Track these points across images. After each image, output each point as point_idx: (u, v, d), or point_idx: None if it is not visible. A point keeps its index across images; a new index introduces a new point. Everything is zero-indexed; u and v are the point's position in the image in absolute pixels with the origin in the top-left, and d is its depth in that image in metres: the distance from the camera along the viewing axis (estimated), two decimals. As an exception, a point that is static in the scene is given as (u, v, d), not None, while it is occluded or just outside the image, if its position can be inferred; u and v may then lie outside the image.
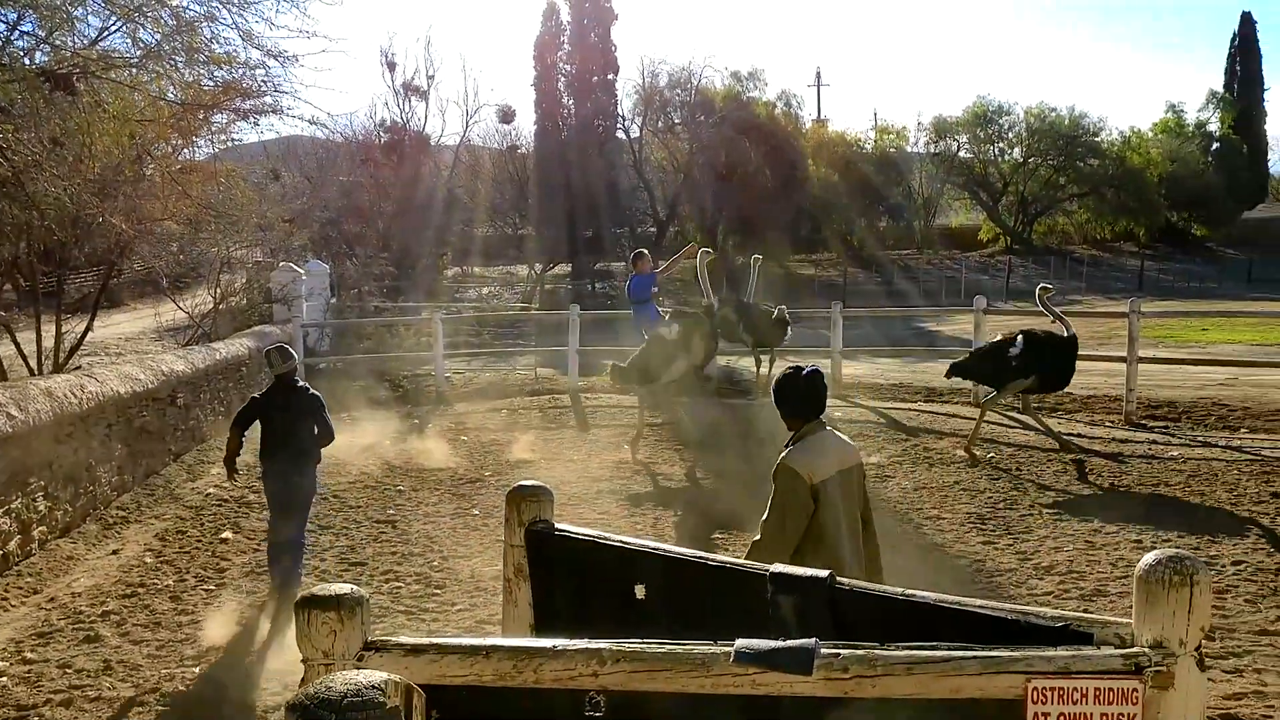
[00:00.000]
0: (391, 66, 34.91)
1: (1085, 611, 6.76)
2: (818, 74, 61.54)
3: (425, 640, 2.59)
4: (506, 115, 39.15)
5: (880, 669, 2.36)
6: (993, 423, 13.26)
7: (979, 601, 2.77)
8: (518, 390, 17.66)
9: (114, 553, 8.65)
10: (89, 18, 8.91)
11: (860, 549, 4.49)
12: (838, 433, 4.61)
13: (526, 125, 41.92)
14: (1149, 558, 2.39)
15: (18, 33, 9.12)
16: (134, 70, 9.50)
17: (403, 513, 9.99)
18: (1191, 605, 2.34)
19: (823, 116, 56.26)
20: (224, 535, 9.15)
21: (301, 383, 8.11)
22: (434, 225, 33.65)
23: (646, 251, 15.74)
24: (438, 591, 7.63)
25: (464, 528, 9.42)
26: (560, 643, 2.51)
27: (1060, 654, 2.34)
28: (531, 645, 2.55)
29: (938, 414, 14.02)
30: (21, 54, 9.18)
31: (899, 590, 2.95)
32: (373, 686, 1.50)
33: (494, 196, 40.14)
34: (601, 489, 10.63)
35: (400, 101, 35.18)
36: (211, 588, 7.71)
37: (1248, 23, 62.77)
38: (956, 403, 14.83)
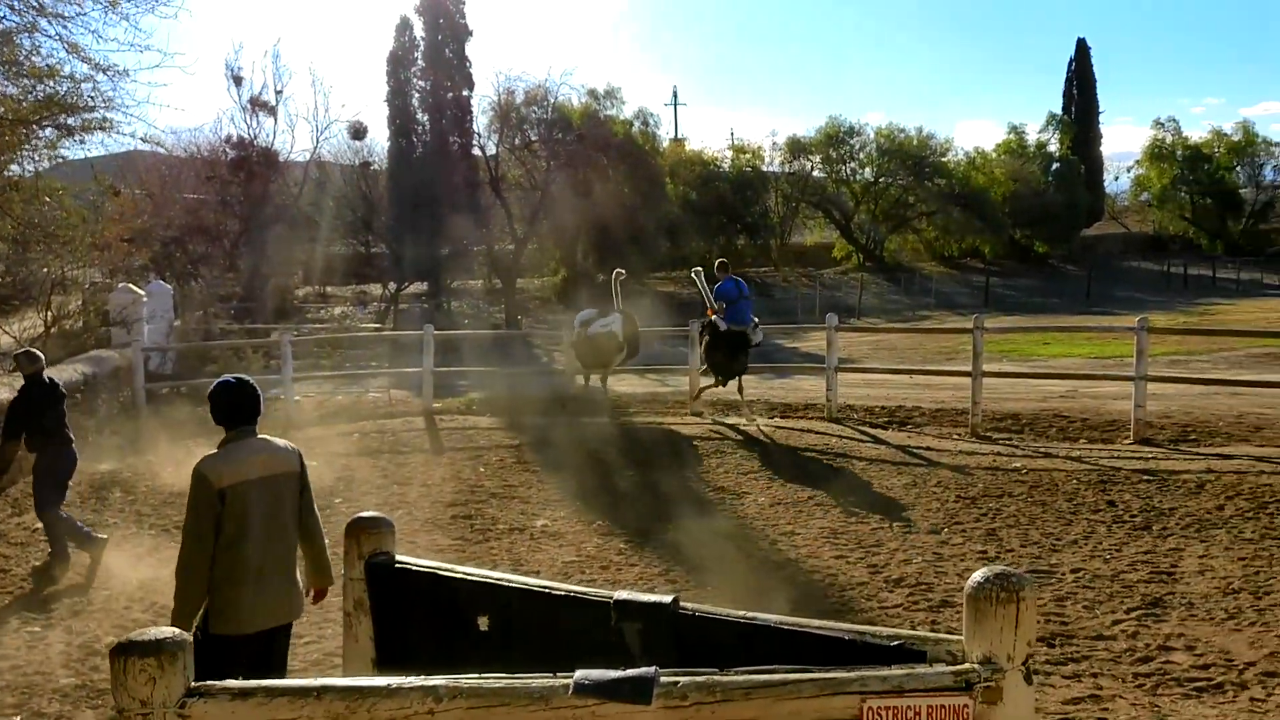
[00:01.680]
0: (238, 80, 33.94)
1: (933, 623, 6.97)
2: (674, 93, 62.44)
3: (253, 683, 2.50)
4: (358, 131, 38.45)
5: (720, 695, 2.37)
6: (846, 437, 13.58)
7: (818, 623, 2.81)
8: (370, 413, 17.32)
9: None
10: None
11: (288, 554, 4.83)
12: (277, 441, 4.88)
13: (380, 141, 41.29)
14: (977, 576, 2.46)
15: None
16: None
17: (248, 543, 9.65)
18: (1018, 620, 2.42)
19: (680, 135, 56.93)
20: (53, 572, 8.70)
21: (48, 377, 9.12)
22: (284, 244, 32.81)
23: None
24: (284, 625, 7.39)
25: (313, 557, 9.16)
26: (395, 680, 2.45)
27: (894, 673, 2.40)
28: (365, 684, 2.48)
29: (793, 430, 14.26)
30: None
31: (741, 614, 2.98)
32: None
33: (346, 214, 39.32)
34: (456, 514, 10.49)
35: (247, 117, 34.24)
36: (37, 628, 7.33)
37: (1083, 49, 66.12)
38: (811, 417, 15.12)
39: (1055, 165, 61.72)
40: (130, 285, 19.91)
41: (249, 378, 4.98)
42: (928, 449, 12.75)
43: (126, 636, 2.40)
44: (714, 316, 14.94)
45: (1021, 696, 2.43)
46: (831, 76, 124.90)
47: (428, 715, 2.41)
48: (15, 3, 8.31)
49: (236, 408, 4.79)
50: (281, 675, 4.64)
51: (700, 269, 16.68)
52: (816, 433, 13.95)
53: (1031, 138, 63.33)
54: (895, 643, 2.61)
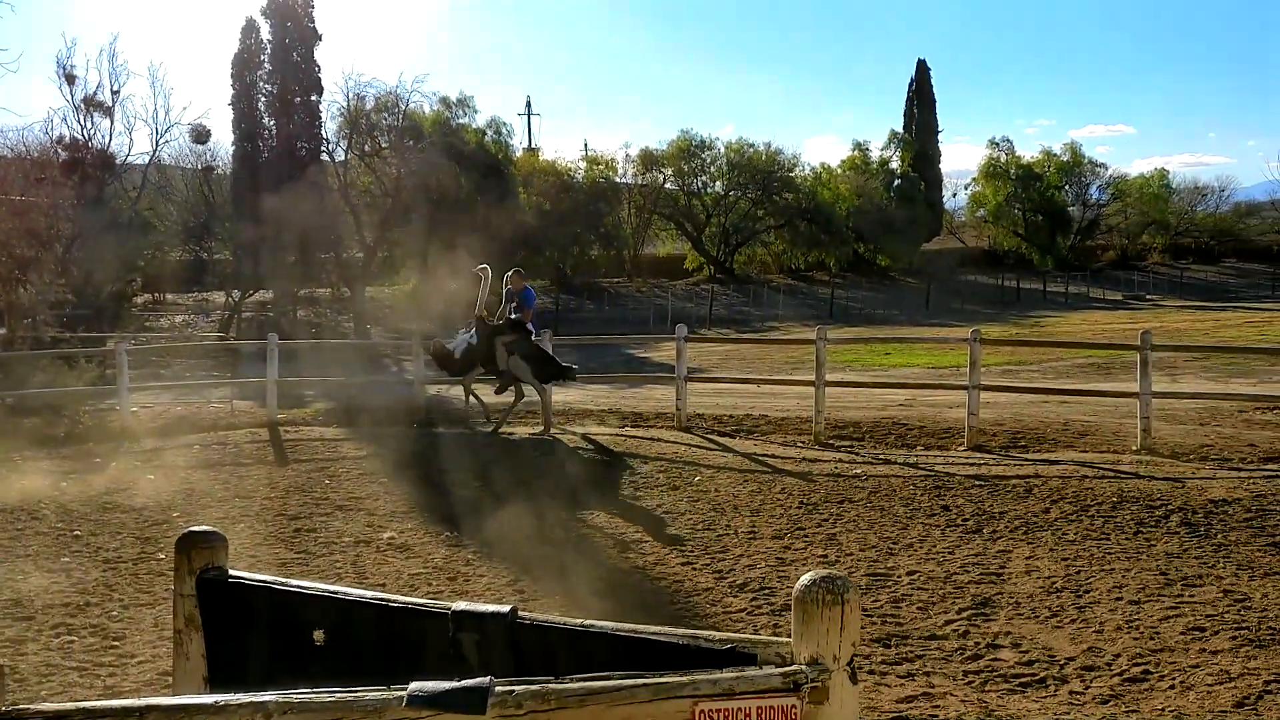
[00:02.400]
0: (71, 79, 32.53)
1: (775, 625, 7.13)
2: (528, 102, 62.20)
3: (70, 705, 2.40)
4: (200, 135, 37.30)
5: (554, 703, 2.38)
6: (695, 446, 13.77)
7: (653, 628, 2.85)
8: (212, 425, 16.78)
9: None
10: None
11: None
12: None
13: (225, 145, 40.11)
14: (804, 579, 2.54)
15: None
16: None
17: (79, 559, 9.25)
18: (843, 622, 2.50)
19: (534, 145, 56.99)
20: None
21: None
22: (121, 249, 31.51)
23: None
24: (116, 644, 7.11)
25: (148, 573, 8.83)
26: (222, 698, 2.38)
27: (725, 676, 2.44)
28: (190, 703, 2.41)
29: (643, 438, 14.38)
30: None
31: (579, 621, 2.99)
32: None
33: (188, 219, 38.03)
34: (300, 527, 10.24)
35: (81, 117, 32.80)
36: None
37: (923, 69, 68.71)
38: (662, 427, 15.28)
39: (897, 181, 64.00)
40: (-50, 291, 18.85)
41: None
42: (773, 456, 13.01)
43: (-68, 661, 2.28)
44: (523, 324, 14.91)
45: (847, 696, 2.50)
46: (685, 92, 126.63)
47: (258, 732, 2.36)
48: None
49: None
50: None
51: (487, 265, 15.43)
52: (666, 441, 14.10)
53: (875, 155, 65.57)
54: (727, 646, 2.66)
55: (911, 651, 6.67)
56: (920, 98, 67.88)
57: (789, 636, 2.72)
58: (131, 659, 6.82)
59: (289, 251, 35.97)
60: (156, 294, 40.22)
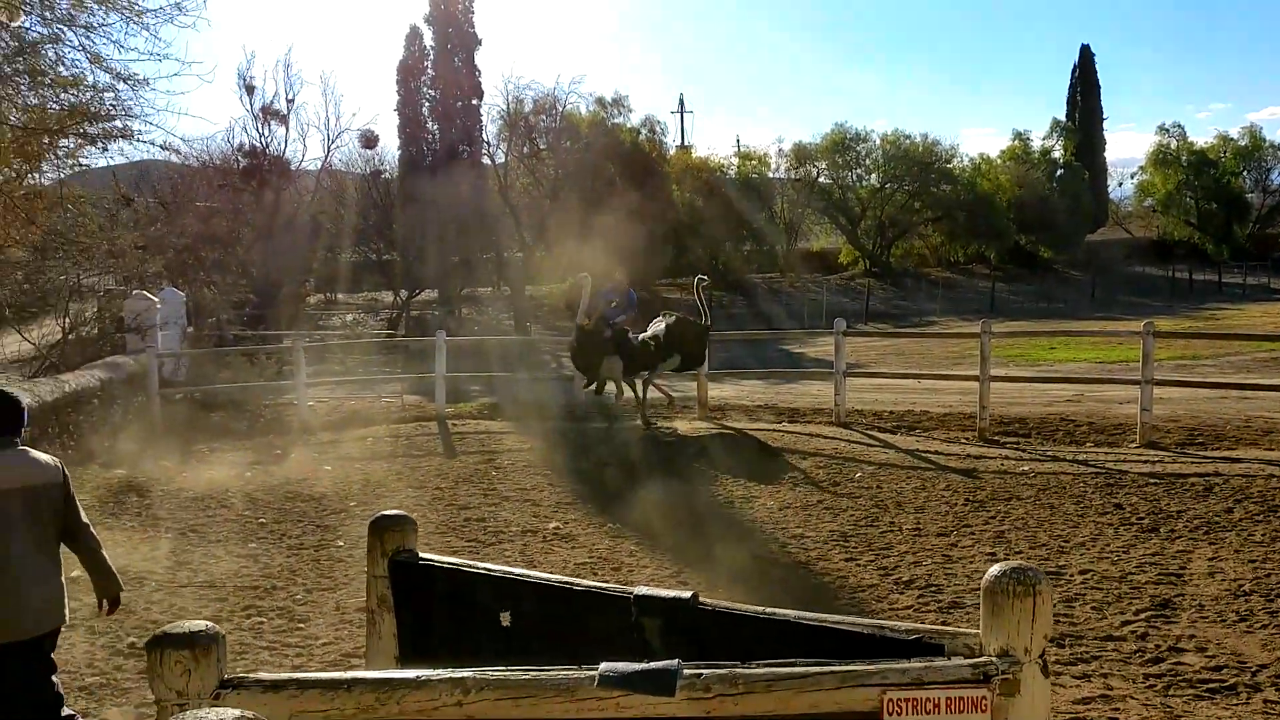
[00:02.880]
0: (250, 90, 34.12)
1: (943, 624, 6.98)
2: (681, 100, 62.52)
3: (284, 676, 2.54)
4: (369, 140, 38.62)
5: (742, 687, 2.41)
6: (854, 442, 13.60)
7: (835, 617, 2.85)
8: (384, 418, 17.39)
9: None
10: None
11: (53, 566, 4.73)
12: (34, 453, 4.77)
13: (391, 150, 41.44)
14: (994, 570, 2.50)
15: None
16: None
17: (264, 545, 9.72)
18: (1035, 614, 2.45)
19: (687, 142, 57.03)
20: (73, 574, 8.73)
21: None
22: (296, 252, 32.95)
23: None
24: (301, 625, 7.45)
25: (328, 559, 9.22)
26: (423, 673, 2.49)
27: (913, 665, 2.42)
28: (394, 677, 2.52)
29: (801, 434, 14.29)
30: None
31: (759, 609, 3.01)
32: (228, 725, 1.47)
33: (358, 222, 39.47)
34: (469, 516, 10.53)
35: (259, 125, 34.40)
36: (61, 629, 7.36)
37: (1087, 55, 66.27)
38: (820, 423, 15.14)
39: (1059, 171, 61.82)
40: (144, 292, 20.01)
41: (10, 390, 4.91)
42: (936, 453, 12.76)
43: (161, 629, 2.44)
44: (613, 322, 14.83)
45: (1039, 689, 2.45)
46: (838, 84, 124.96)
47: (456, 707, 2.45)
48: (45, 14, 8.39)
49: None
50: (39, 686, 4.60)
51: (705, 278, 16.36)
52: (825, 437, 13.97)
53: (1036, 144, 63.44)
54: (913, 637, 2.64)
55: (1087, 652, 6.45)
56: (1084, 84, 65.47)
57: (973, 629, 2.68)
58: (316, 640, 7.13)
59: (452, 251, 36.94)
60: (328, 294, 41.85)
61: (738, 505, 10.87)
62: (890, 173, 56.60)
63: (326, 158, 36.88)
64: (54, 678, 4.81)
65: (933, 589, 7.85)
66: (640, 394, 15.27)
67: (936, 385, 17.74)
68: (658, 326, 15.22)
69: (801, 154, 56.45)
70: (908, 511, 10.17)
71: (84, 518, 4.91)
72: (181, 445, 14.80)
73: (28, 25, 8.68)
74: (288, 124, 34.66)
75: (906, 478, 11.55)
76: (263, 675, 2.51)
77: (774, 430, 14.74)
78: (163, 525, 10.59)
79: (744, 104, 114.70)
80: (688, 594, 3.04)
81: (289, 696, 2.44)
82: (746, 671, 2.42)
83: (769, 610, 2.96)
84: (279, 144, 34.54)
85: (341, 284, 40.93)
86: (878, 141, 56.84)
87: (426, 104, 40.81)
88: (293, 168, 35.06)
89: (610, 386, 15.20)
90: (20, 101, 9.59)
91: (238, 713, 1.50)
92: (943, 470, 11.79)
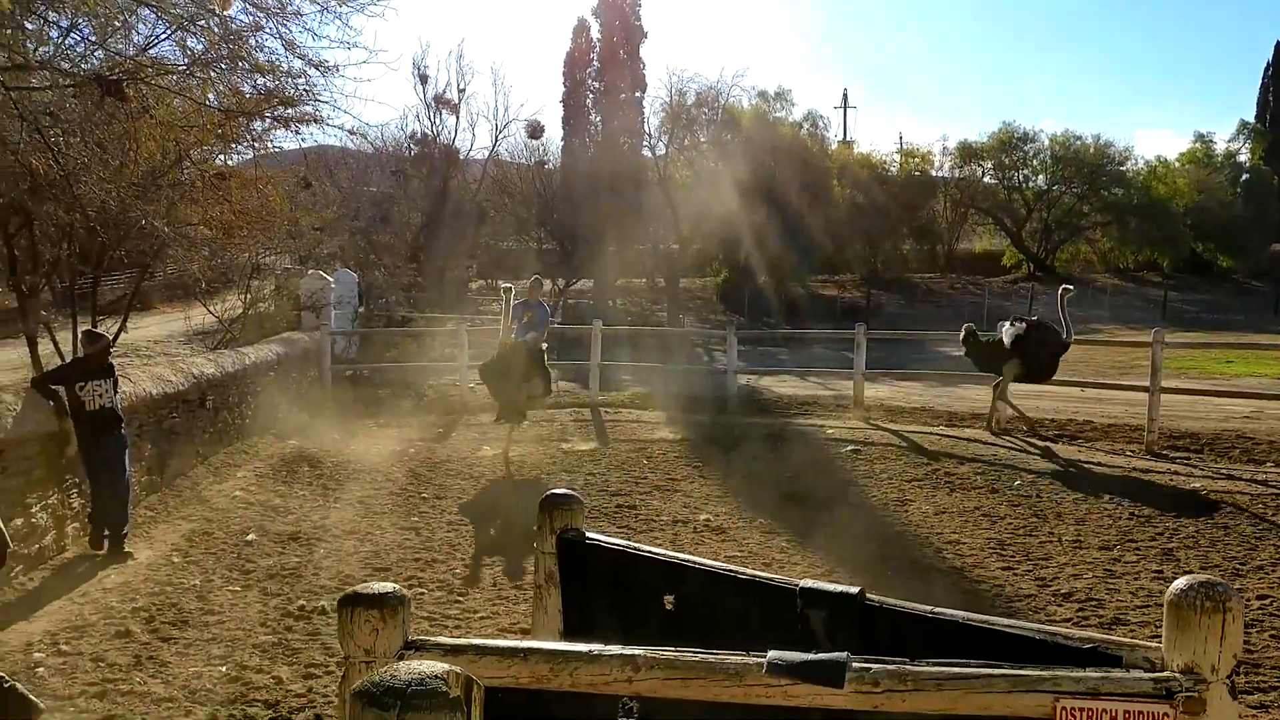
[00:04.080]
0: (424, 79, 35.09)
1: (1105, 639, 6.75)
2: (844, 95, 61.78)
3: (464, 641, 2.64)
4: (535, 131, 39.26)
5: (911, 684, 2.40)
6: (1014, 449, 13.25)
7: (1006, 621, 2.80)
8: (538, 403, 17.71)
9: (144, 551, 8.73)
10: (139, 25, 9.07)
11: None
12: None
13: (555, 140, 42.12)
14: (1181, 582, 2.42)
15: (72, 37, 9.33)
16: (179, 77, 9.64)
17: (426, 519, 10.05)
18: (1224, 631, 2.36)
19: (849, 138, 56.23)
20: (249, 537, 9.23)
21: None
22: (461, 237, 33.81)
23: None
24: (460, 599, 7.68)
25: (485, 535, 9.48)
26: (596, 648, 2.55)
27: (1089, 675, 2.37)
28: (567, 649, 2.59)
29: (959, 439, 13.99)
30: (74, 58, 9.37)
31: (927, 608, 2.98)
32: (436, 676, 1.54)
33: (520, 211, 40.26)
34: (621, 504, 10.66)
35: (431, 114, 35.37)
36: (237, 588, 7.78)
37: (1281, 53, 62.50)
38: (978, 427, 14.80)
39: (1245, 176, 58.56)
40: (320, 272, 20.85)
41: None
42: (1099, 464, 12.33)
43: (353, 589, 2.57)
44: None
45: (1226, 710, 2.36)
46: (1005, 81, 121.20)
47: (625, 683, 2.51)
48: (249, 2, 8.88)
49: None
50: None
51: (1070, 287, 14.53)
52: (984, 443, 13.65)
53: (1219, 147, 60.18)
54: (1089, 645, 2.58)
55: (1265, 681, 6.15)
56: (1277, 84, 61.84)
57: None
58: (474, 614, 7.35)
59: (610, 242, 37.34)
60: (489, 279, 42.82)
61: (891, 508, 10.72)
62: (1059, 174, 54.60)
63: (494, 147, 37.67)
64: None
65: (1093, 603, 7.60)
66: (997, 398, 14.33)
67: (1102, 395, 17.10)
68: (1012, 330, 14.06)
69: (966, 152, 54.96)
70: (1068, 523, 9.86)
71: None
72: (350, 420, 15.41)
73: (233, 14, 9.21)
74: (458, 113, 35.53)
75: (1067, 488, 11.19)
76: (443, 639, 2.62)
77: (931, 433, 14.48)
78: (331, 495, 11.06)
79: (909, 100, 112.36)
80: (855, 589, 3.04)
81: (468, 661, 2.53)
82: (916, 669, 2.41)
83: (936, 610, 2.93)
84: (449, 133, 35.46)
85: (502, 271, 41.80)
86: (1046, 141, 54.89)
87: (591, 95, 41.36)
88: (461, 156, 35.93)
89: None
90: (221, 86, 10.13)
91: (446, 666, 1.57)
92: (1106, 482, 11.38)
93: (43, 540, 8.27)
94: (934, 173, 54.58)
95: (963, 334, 14.92)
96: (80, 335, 9.30)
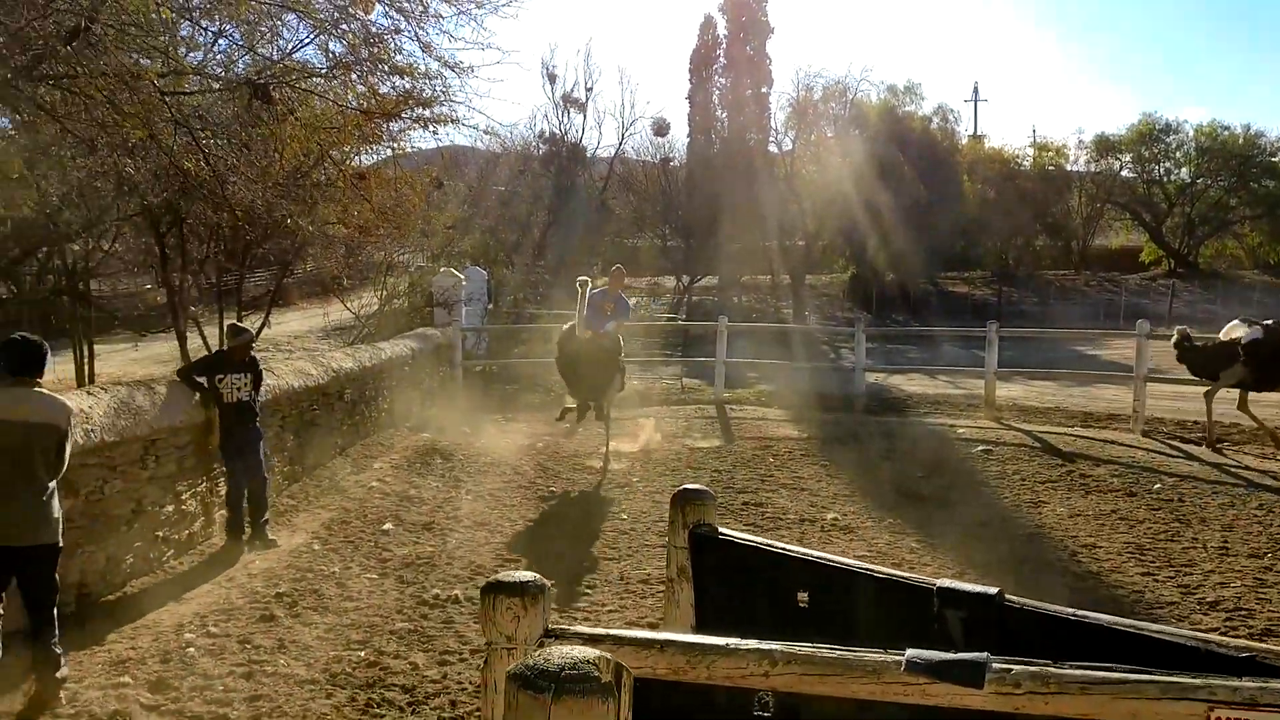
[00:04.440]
0: (552, 78, 35.57)
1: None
2: (975, 89, 60.37)
3: (602, 631, 2.69)
4: (661, 128, 39.43)
5: (1053, 687, 2.35)
6: (1153, 451, 12.81)
7: (1156, 627, 2.72)
8: (663, 399, 17.80)
9: (286, 539, 9.07)
10: (284, 30, 9.45)
11: (33, 490, 5.37)
12: (47, 395, 5.52)
13: (680, 138, 42.22)
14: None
15: (220, 43, 9.79)
16: (322, 79, 10.00)
17: (554, 512, 10.20)
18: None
19: (979, 132, 54.95)
20: (385, 527, 9.49)
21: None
22: (586, 234, 34.16)
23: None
24: (588, 592, 7.77)
25: (612, 530, 9.56)
26: (733, 641, 2.57)
27: (1247, 684, 2.29)
28: (704, 642, 2.61)
29: (1095, 440, 13.58)
30: (222, 63, 9.82)
31: (1069, 611, 2.92)
32: (588, 662, 1.59)
33: (645, 208, 40.45)
34: (747, 500, 10.63)
35: (559, 113, 35.83)
36: (374, 576, 8.01)
37: None
38: (1115, 429, 14.34)
39: None
40: (451, 270, 21.32)
41: (36, 337, 5.69)
42: (1248, 469, 11.82)
43: (496, 577, 2.63)
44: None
45: (1390, 725, 2.26)
46: (1144, 71, 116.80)
47: (762, 677, 2.52)
48: (391, 6, 9.19)
49: (12, 361, 5.48)
50: (31, 595, 5.45)
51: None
52: (1121, 444, 13.22)
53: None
54: (1245, 655, 2.49)
55: None
56: None
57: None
58: (602, 607, 7.43)
59: (735, 239, 37.24)
60: (613, 276, 43.16)
61: (1024, 510, 10.46)
62: (1204, 166, 52.36)
63: (620, 145, 37.98)
64: (48, 593, 5.55)
65: (1242, 613, 7.29)
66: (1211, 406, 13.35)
67: (1252, 397, 16.38)
68: (1248, 332, 12.91)
69: (1103, 145, 53.13)
70: (1213, 529, 9.48)
71: (65, 461, 5.58)
72: (480, 414, 15.73)
73: (374, 17, 9.53)
74: (585, 112, 35.91)
75: (1212, 492, 10.76)
76: (582, 629, 2.67)
77: (1065, 434, 14.08)
78: (462, 487, 11.30)
79: (1042, 93, 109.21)
80: (993, 590, 2.99)
81: (607, 650, 2.57)
82: (1060, 671, 2.36)
83: (1079, 613, 2.87)
84: (576, 131, 35.86)
85: (627, 268, 42.09)
86: (1190, 133, 52.69)
87: (717, 92, 41.31)
88: (587, 154, 36.30)
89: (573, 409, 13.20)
90: (362, 88, 10.48)
91: (596, 652, 1.61)
92: (1255, 488, 10.90)
93: (191, 526, 8.65)
94: (1068, 167, 52.93)
95: (1175, 338, 13.69)
96: (225, 329, 9.64)
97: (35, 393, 5.50)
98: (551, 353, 21.48)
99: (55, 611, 5.65)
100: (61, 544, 5.66)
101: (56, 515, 5.59)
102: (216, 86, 9.25)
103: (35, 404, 5.42)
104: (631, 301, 14.24)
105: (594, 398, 12.61)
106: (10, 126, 10.69)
